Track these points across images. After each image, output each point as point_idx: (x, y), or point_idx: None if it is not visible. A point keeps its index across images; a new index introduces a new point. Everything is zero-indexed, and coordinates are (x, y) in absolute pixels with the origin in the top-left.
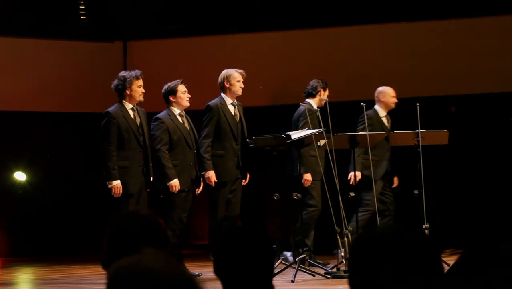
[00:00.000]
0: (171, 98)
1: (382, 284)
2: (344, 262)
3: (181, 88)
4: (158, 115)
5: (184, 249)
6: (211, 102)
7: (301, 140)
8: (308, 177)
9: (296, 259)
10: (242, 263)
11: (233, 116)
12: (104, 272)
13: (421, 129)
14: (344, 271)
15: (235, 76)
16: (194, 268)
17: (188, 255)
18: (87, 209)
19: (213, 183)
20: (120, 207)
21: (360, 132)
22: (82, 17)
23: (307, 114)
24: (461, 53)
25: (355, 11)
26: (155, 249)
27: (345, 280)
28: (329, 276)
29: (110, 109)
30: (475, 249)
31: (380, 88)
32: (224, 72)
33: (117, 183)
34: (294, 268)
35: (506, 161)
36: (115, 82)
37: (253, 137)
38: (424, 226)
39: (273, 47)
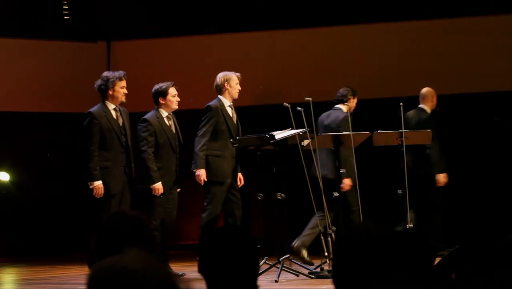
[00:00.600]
0: (160, 100)
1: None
2: (328, 262)
3: (172, 91)
4: (146, 117)
5: (170, 249)
6: (212, 103)
7: (284, 140)
8: (348, 181)
9: (280, 259)
10: (227, 262)
11: (231, 118)
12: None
13: (404, 129)
14: (328, 271)
15: (234, 79)
16: (180, 268)
17: (175, 255)
18: (72, 210)
19: (202, 181)
20: (103, 208)
21: (344, 132)
22: (65, 17)
23: (348, 120)
24: (445, 53)
25: (337, 11)
26: (139, 249)
27: (329, 280)
28: (313, 276)
29: (93, 109)
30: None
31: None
32: (223, 74)
33: (98, 184)
34: (278, 268)
35: (491, 160)
36: (98, 82)
37: (237, 138)
38: (407, 225)
39: (256, 47)
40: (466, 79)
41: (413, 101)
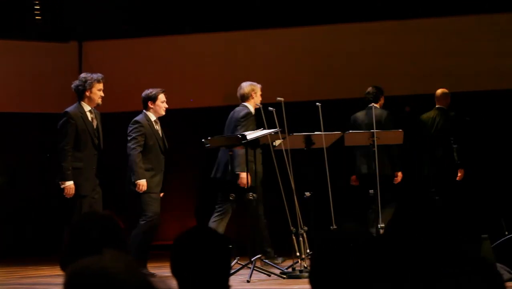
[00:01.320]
0: (150, 104)
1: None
2: (299, 262)
3: (162, 97)
4: (137, 119)
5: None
6: (247, 111)
7: (256, 140)
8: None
9: (252, 259)
10: (199, 262)
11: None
12: (61, 273)
13: (376, 129)
14: (300, 271)
15: (259, 89)
16: (153, 269)
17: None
18: (43, 210)
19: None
20: (73, 208)
21: (315, 133)
22: (37, 18)
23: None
24: (415, 53)
25: (311, 11)
26: (114, 250)
27: (301, 280)
28: (284, 276)
29: (69, 109)
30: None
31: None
32: (249, 84)
33: (70, 184)
34: (250, 268)
35: (463, 160)
36: (76, 82)
37: (208, 138)
38: (379, 225)
39: (229, 48)
40: (435, 79)
41: (393, 101)
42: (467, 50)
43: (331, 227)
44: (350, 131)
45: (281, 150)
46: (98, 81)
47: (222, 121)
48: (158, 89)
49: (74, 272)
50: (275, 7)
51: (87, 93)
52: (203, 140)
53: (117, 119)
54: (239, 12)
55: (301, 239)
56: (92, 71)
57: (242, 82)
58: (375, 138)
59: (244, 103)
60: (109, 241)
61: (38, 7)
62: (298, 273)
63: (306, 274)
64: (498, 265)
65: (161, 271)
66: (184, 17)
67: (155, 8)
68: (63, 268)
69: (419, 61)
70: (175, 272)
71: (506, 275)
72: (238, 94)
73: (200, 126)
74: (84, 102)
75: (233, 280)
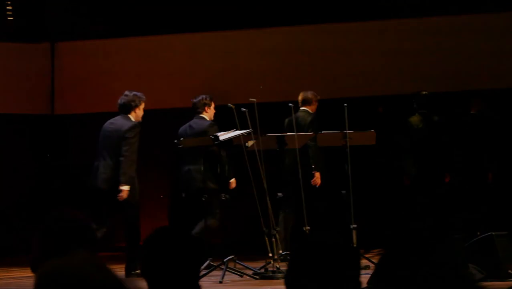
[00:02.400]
0: (136, 110)
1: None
2: (272, 262)
3: (143, 104)
4: (136, 122)
5: (113, 250)
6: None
7: (229, 141)
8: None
9: (224, 260)
10: (169, 263)
11: None
12: (32, 274)
13: (348, 130)
14: (272, 272)
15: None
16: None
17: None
18: (14, 211)
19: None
20: (127, 213)
21: (288, 133)
22: (9, 18)
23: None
24: (387, 54)
25: (279, 12)
26: (84, 251)
27: (273, 281)
28: (257, 277)
29: (137, 121)
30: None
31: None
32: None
33: (128, 188)
34: (222, 268)
35: (433, 160)
36: (128, 98)
37: (181, 138)
38: (351, 226)
39: (200, 48)
40: (407, 80)
41: (358, 101)
42: (435, 50)
43: (304, 228)
44: (323, 132)
45: (254, 151)
46: (144, 101)
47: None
48: (143, 95)
49: (44, 273)
50: (246, 8)
51: (137, 110)
52: (175, 141)
53: (89, 120)
54: (210, 13)
55: (273, 239)
56: (64, 72)
57: (214, 83)
58: (347, 139)
59: (305, 108)
60: (80, 241)
61: (10, 7)
62: (270, 273)
63: (279, 275)
64: (470, 265)
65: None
66: (155, 19)
67: (127, 9)
68: (33, 270)
69: (394, 62)
70: (145, 272)
71: (477, 275)
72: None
73: (172, 127)
74: (131, 116)
75: (206, 281)
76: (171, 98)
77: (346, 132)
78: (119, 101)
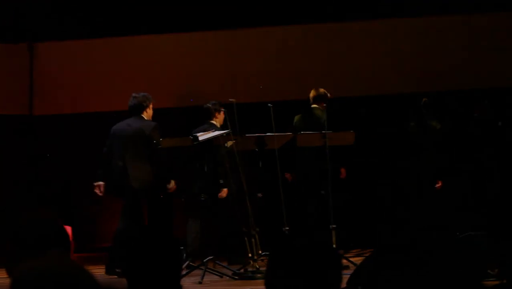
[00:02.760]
0: (145, 109)
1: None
2: (251, 263)
3: (152, 104)
4: (155, 122)
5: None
6: None
7: (208, 141)
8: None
9: (204, 260)
10: (150, 264)
11: None
12: (7, 276)
13: (328, 130)
14: (252, 272)
15: None
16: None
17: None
18: None
19: None
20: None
21: (267, 134)
22: None
23: None
24: (366, 55)
25: (259, 13)
26: (59, 251)
27: (253, 281)
28: (236, 277)
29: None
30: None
31: None
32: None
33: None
34: (202, 269)
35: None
36: (140, 98)
37: (160, 139)
38: (331, 226)
39: (178, 49)
40: (387, 80)
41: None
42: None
43: (283, 229)
44: (302, 132)
45: (233, 151)
46: (152, 100)
47: (174, 123)
48: (149, 96)
49: (20, 274)
50: (226, 9)
51: (148, 110)
52: (154, 141)
53: (68, 121)
54: (188, 13)
55: (253, 240)
56: (43, 73)
57: (194, 83)
58: (326, 140)
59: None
60: (52, 242)
61: None
62: (250, 274)
63: (259, 275)
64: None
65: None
66: (134, 19)
67: (106, 9)
68: (8, 272)
69: (369, 63)
70: (126, 273)
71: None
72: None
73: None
74: (143, 116)
75: (185, 282)
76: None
77: (325, 133)
78: (129, 103)
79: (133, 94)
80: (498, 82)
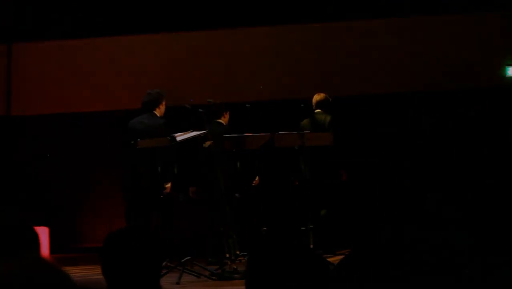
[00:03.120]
0: (159, 106)
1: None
2: (229, 263)
3: (164, 100)
4: (163, 120)
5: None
6: None
7: (186, 141)
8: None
9: (181, 261)
10: (129, 264)
11: None
12: None
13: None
14: (229, 273)
15: None
16: (84, 271)
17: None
18: None
19: None
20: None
21: (246, 134)
22: None
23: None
24: (335, 55)
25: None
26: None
27: (231, 281)
28: (214, 278)
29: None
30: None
31: None
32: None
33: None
34: (180, 269)
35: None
36: (155, 95)
37: (138, 140)
38: (308, 226)
39: (154, 51)
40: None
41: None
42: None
43: (262, 229)
44: (280, 132)
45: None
46: (165, 97)
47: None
48: (163, 92)
49: None
50: (195, 9)
51: (161, 106)
52: (132, 142)
53: (46, 121)
54: (168, 13)
55: (230, 240)
56: (21, 73)
57: (172, 84)
58: (304, 140)
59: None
60: (25, 244)
61: None
62: (228, 274)
63: (236, 276)
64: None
65: (93, 273)
66: (113, 19)
67: (84, 10)
68: None
69: (366, 62)
70: (105, 273)
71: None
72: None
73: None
74: (156, 112)
75: (163, 282)
76: (127, 99)
77: (303, 133)
78: (143, 99)
79: (148, 91)
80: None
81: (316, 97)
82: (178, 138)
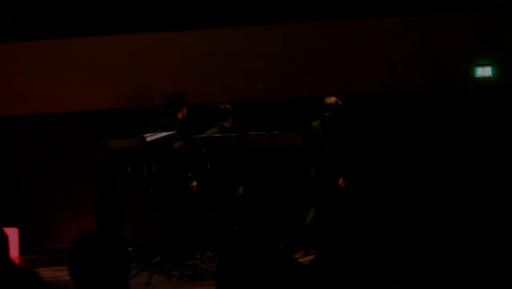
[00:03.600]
0: (182, 108)
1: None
2: (199, 264)
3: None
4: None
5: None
6: None
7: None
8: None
9: (152, 262)
10: (97, 265)
11: None
12: None
13: (276, 131)
14: (200, 273)
15: None
16: (53, 272)
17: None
18: None
19: None
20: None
21: (216, 135)
22: None
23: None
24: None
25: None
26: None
27: (201, 282)
28: (185, 279)
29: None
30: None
31: None
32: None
33: None
34: (150, 270)
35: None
36: (177, 97)
37: (108, 140)
38: (280, 226)
39: (123, 51)
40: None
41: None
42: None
43: (233, 230)
44: (250, 133)
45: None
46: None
47: (122, 124)
48: (184, 95)
49: None
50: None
51: (183, 109)
52: (101, 142)
53: (26, 121)
54: (145, 13)
55: (202, 241)
56: (0, 73)
57: (140, 86)
58: (274, 141)
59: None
60: None
61: None
62: (198, 275)
63: (207, 276)
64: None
65: (64, 274)
66: (76, 20)
67: (61, 10)
68: None
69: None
70: (73, 274)
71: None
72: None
73: (99, 129)
74: (179, 115)
75: (134, 283)
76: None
77: (273, 134)
78: (166, 101)
79: (168, 94)
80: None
81: (327, 101)
82: (148, 139)
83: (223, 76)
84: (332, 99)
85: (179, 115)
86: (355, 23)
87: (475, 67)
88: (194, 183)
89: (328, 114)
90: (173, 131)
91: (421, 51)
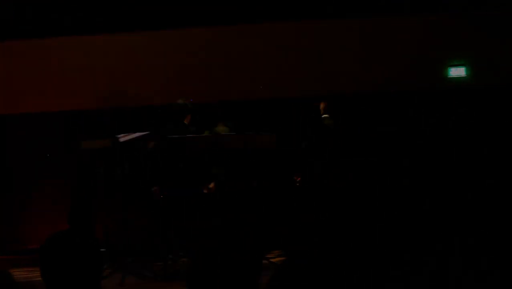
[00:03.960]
0: (187, 115)
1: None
2: (172, 264)
3: None
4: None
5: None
6: None
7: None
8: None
9: (125, 262)
10: (68, 267)
11: None
12: None
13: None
14: (172, 273)
15: None
16: (25, 274)
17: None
18: None
19: None
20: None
21: (190, 135)
22: None
23: None
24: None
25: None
26: None
27: (174, 282)
28: (158, 278)
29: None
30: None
31: None
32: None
33: None
34: (123, 271)
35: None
36: (182, 104)
37: (82, 141)
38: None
39: (106, 50)
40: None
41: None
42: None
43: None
44: (224, 134)
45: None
46: None
47: (96, 124)
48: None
49: None
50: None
51: (188, 116)
52: (74, 142)
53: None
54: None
55: (173, 241)
56: None
57: (121, 84)
58: (248, 142)
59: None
60: None
61: None
62: (170, 275)
63: (179, 276)
64: None
65: (35, 275)
66: (58, 20)
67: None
68: None
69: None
70: (44, 276)
71: None
72: None
73: (74, 130)
74: (185, 121)
75: (106, 284)
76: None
77: (245, 135)
78: (173, 108)
79: (179, 101)
80: None
81: (322, 105)
82: (121, 140)
83: (207, 76)
84: (324, 103)
85: (186, 121)
86: (354, 22)
87: (449, 68)
88: (211, 185)
89: (326, 116)
90: (146, 132)
91: (418, 51)
